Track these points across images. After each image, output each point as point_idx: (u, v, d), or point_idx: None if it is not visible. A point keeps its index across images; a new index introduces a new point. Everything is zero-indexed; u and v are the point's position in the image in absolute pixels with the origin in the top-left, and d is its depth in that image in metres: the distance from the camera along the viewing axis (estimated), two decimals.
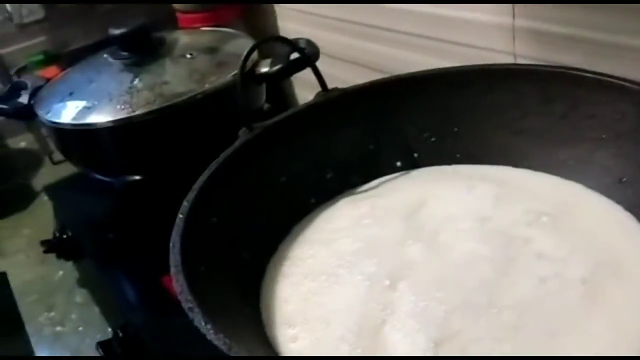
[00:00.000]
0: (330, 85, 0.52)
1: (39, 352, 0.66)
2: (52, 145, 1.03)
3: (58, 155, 1.03)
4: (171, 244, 0.36)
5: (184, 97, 0.61)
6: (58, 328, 0.68)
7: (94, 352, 0.62)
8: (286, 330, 0.37)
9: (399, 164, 0.51)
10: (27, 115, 0.77)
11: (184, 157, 0.65)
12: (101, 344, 0.54)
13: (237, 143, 0.46)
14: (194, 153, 0.62)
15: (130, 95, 0.62)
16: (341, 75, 0.61)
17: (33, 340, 0.68)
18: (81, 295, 0.72)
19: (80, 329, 0.67)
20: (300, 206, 0.48)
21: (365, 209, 0.46)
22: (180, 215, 0.39)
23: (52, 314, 0.71)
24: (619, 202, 0.41)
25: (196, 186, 0.42)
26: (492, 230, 0.41)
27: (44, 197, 0.96)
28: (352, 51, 0.76)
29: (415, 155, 0.51)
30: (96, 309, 0.69)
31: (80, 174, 0.83)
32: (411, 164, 0.51)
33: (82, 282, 0.74)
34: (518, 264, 0.37)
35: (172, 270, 0.35)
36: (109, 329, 0.65)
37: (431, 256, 0.39)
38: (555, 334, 0.32)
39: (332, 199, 0.49)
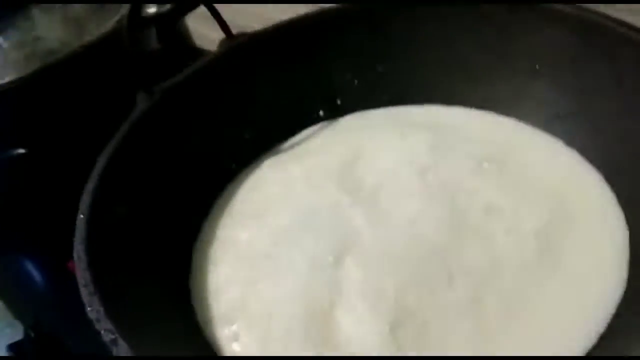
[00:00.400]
0: (234, 27, 0.45)
1: None
2: None
3: None
4: (75, 256, 0.30)
5: (61, 55, 0.52)
6: None
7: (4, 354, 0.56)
8: (225, 329, 0.33)
9: (321, 113, 0.46)
10: None
11: (73, 123, 0.56)
12: (12, 346, 0.48)
13: (135, 114, 0.39)
14: (84, 118, 0.54)
15: None
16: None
17: None
18: None
19: None
20: (220, 175, 0.43)
21: (295, 171, 0.41)
22: (81, 216, 0.32)
23: None
24: (559, 137, 0.39)
25: (94, 174, 0.35)
26: (434, 183, 0.37)
27: None
28: None
29: (339, 101, 0.47)
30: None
31: None
32: (335, 112, 0.46)
33: None
34: (467, 222, 0.35)
35: (81, 286, 0.29)
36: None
37: (375, 222, 0.36)
38: (516, 303, 0.31)
39: (254, 161, 0.44)
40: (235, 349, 0.32)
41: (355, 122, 0.45)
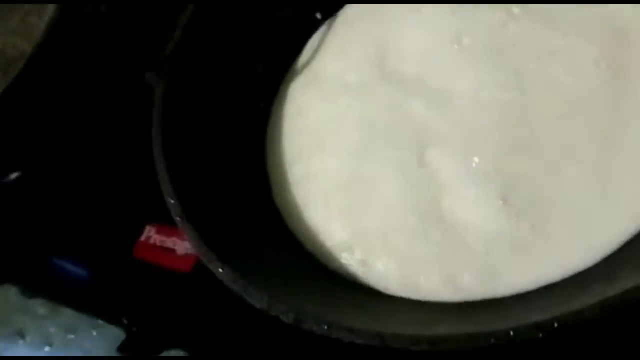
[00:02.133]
0: None
1: None
2: None
3: None
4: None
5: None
6: (47, 349, 0.62)
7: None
8: (347, 258, 0.34)
9: (319, 15, 0.45)
10: None
11: (69, 132, 0.53)
12: (121, 348, 0.50)
13: (158, 95, 0.37)
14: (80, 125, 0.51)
15: None
16: None
17: None
18: (42, 306, 0.64)
19: (71, 338, 0.61)
20: (255, 116, 0.42)
21: (330, 89, 0.40)
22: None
23: (27, 339, 0.63)
24: None
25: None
26: (475, 47, 0.37)
27: None
28: None
29: None
30: (69, 312, 0.62)
31: None
32: (332, 7, 0.44)
33: (30, 294, 0.65)
34: (526, 75, 0.35)
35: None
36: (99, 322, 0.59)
37: (438, 108, 0.36)
38: (610, 132, 0.32)
39: (279, 94, 0.43)
40: (368, 272, 0.34)
41: (357, 11, 0.43)
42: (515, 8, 0.38)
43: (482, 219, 0.32)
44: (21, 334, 0.66)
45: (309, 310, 0.27)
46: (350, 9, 0.44)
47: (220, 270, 0.29)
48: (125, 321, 0.51)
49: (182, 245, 0.50)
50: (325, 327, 0.26)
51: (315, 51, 0.43)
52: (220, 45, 0.41)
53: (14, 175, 0.57)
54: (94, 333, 0.60)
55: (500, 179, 0.33)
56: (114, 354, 0.57)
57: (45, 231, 0.59)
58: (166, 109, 0.36)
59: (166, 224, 0.51)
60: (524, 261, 0.31)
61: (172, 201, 0.32)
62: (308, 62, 0.43)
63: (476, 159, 0.34)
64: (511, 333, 0.23)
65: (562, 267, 0.29)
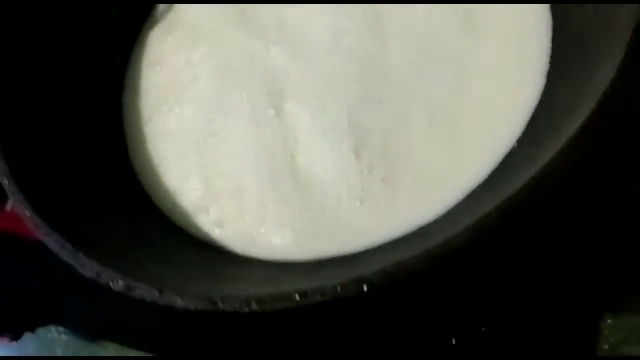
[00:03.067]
0: None
1: None
2: None
3: None
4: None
5: None
6: None
7: None
8: (203, 219, 0.33)
9: None
10: None
11: None
12: None
13: None
14: None
15: None
16: None
17: None
18: None
19: None
20: (110, 68, 0.39)
21: (189, 35, 0.38)
22: None
23: None
24: None
25: None
26: None
27: None
28: None
29: None
30: None
31: None
32: None
33: None
34: (384, 24, 0.34)
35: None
36: None
37: (297, 56, 0.35)
38: (460, 85, 0.32)
39: (137, 42, 0.40)
40: (221, 235, 0.33)
41: None
42: None
43: (335, 174, 0.32)
44: None
45: (143, 276, 0.26)
46: None
47: (47, 236, 0.27)
48: None
49: None
50: (157, 293, 0.25)
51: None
52: None
53: None
54: None
55: (354, 131, 0.32)
56: None
57: None
58: None
59: None
60: (374, 216, 0.31)
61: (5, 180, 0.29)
62: (168, 8, 0.40)
63: (331, 111, 0.33)
64: (338, 289, 0.23)
65: (408, 221, 0.29)
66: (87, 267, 0.26)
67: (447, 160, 0.31)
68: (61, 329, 0.52)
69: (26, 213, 0.28)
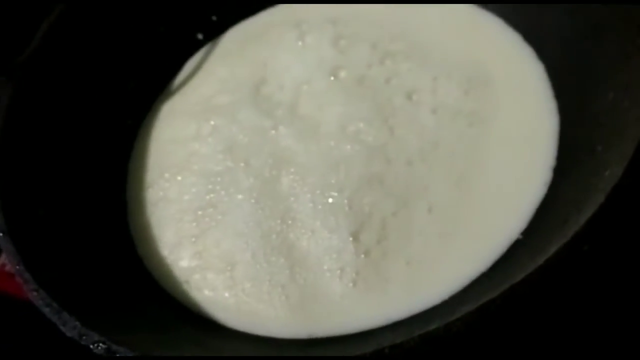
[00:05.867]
0: None
1: None
2: None
3: None
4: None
5: None
6: None
7: None
8: (191, 287, 0.34)
9: (200, 36, 0.44)
10: None
11: None
12: None
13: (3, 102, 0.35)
14: None
15: None
16: None
17: None
18: None
19: None
20: (119, 134, 0.40)
21: (201, 110, 0.40)
22: None
23: None
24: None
25: None
26: (349, 82, 0.38)
27: None
28: None
29: (214, 17, 0.44)
30: None
31: None
32: (214, 31, 0.44)
33: None
34: (395, 115, 0.36)
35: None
36: None
37: (304, 138, 0.36)
38: (464, 179, 0.33)
39: (150, 111, 0.41)
40: (210, 305, 0.33)
41: (240, 36, 0.44)
42: (393, 45, 0.39)
43: (331, 255, 0.32)
44: None
45: (125, 340, 0.25)
46: (234, 32, 0.44)
47: (34, 293, 0.27)
48: None
49: None
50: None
51: (193, 71, 0.43)
52: (86, 55, 0.40)
53: None
54: None
55: (354, 215, 0.33)
56: None
57: None
58: (9, 119, 0.34)
59: None
60: (366, 300, 0.31)
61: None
62: (184, 82, 0.42)
63: (333, 193, 0.34)
64: None
65: (402, 308, 0.30)
66: (70, 327, 0.26)
67: (447, 249, 0.31)
68: None
69: (17, 267, 0.28)
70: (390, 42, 0.39)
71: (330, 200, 0.34)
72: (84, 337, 0.26)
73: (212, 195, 0.36)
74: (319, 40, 0.40)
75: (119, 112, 0.41)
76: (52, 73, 0.38)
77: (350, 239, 0.32)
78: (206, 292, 0.33)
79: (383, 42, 0.39)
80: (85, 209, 0.36)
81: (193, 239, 0.35)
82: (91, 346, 0.25)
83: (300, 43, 0.41)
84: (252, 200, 0.35)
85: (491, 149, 0.34)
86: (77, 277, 0.31)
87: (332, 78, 0.38)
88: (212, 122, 0.39)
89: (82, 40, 0.39)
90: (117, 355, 0.25)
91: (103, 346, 0.25)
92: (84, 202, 0.36)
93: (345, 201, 0.33)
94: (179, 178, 0.37)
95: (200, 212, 0.35)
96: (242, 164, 0.36)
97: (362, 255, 0.32)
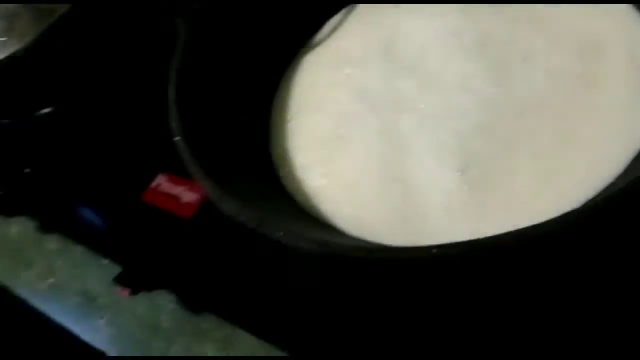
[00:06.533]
0: None
1: (41, 307, 0.67)
2: None
3: None
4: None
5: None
6: (50, 280, 0.68)
7: (104, 292, 0.64)
8: (319, 201, 0.40)
9: None
10: None
11: (94, 77, 0.61)
12: (118, 279, 0.56)
13: (180, 43, 0.43)
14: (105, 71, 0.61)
15: None
16: None
17: (30, 299, 0.68)
18: (53, 242, 0.71)
19: (75, 271, 0.68)
20: (268, 80, 0.48)
21: (337, 57, 0.47)
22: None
23: (33, 269, 0.70)
24: None
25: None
26: (470, 43, 0.43)
27: None
28: None
29: None
30: (79, 249, 0.69)
31: None
32: None
33: (46, 229, 0.72)
34: (510, 74, 0.40)
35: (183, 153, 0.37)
36: (104, 261, 0.66)
37: (425, 87, 0.42)
38: (569, 131, 0.37)
39: (296, 57, 0.49)
40: (333, 216, 0.39)
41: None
42: (513, 11, 0.43)
43: (439, 185, 0.38)
44: (29, 265, 0.73)
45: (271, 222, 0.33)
46: None
47: (202, 180, 0.35)
48: (126, 259, 0.57)
49: (187, 195, 0.56)
50: (317, 246, 0.32)
51: (334, 28, 0.49)
52: (250, 7, 0.47)
53: (46, 110, 0.65)
54: (97, 270, 0.67)
55: (462, 153, 0.38)
56: (111, 288, 0.63)
57: (67, 170, 0.67)
58: (186, 54, 0.43)
59: (175, 175, 0.58)
60: (467, 226, 0.35)
61: (178, 138, 0.38)
62: (325, 37, 0.49)
63: (445, 134, 0.40)
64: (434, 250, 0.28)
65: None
66: (227, 206, 0.34)
67: (547, 189, 0.35)
68: (172, 296, 0.60)
69: (187, 157, 0.36)
70: (513, 9, 0.43)
71: (443, 140, 0.39)
72: (241, 215, 0.33)
73: (341, 130, 0.43)
74: (447, 8, 0.46)
75: (269, 60, 0.49)
76: (219, 18, 0.46)
77: (459, 173, 0.38)
78: (330, 205, 0.40)
79: (507, 9, 0.43)
80: (239, 134, 0.44)
81: (322, 164, 0.42)
82: (246, 221, 0.32)
83: (430, 10, 0.46)
84: (375, 136, 0.41)
85: (601, 110, 0.37)
86: (232, 176, 0.38)
87: (456, 40, 0.44)
88: (345, 72, 0.46)
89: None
90: (266, 227, 0.32)
91: (255, 221, 0.32)
92: (239, 127, 0.44)
93: (457, 142, 0.39)
94: (314, 115, 0.45)
95: (329, 143, 0.43)
96: (368, 107, 0.43)
97: (467, 188, 0.37)
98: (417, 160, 0.39)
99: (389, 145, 0.41)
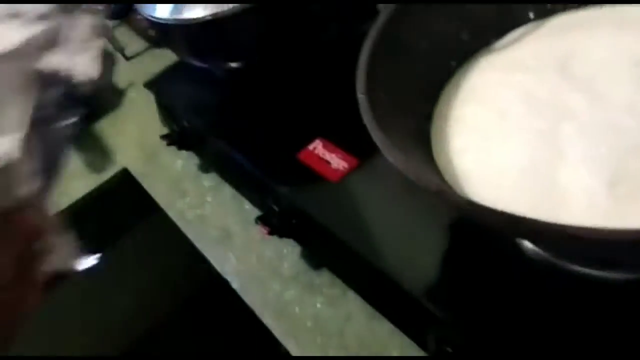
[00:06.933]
0: None
1: (188, 234, 0.76)
2: (122, 43, 1.08)
3: (129, 51, 1.08)
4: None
5: None
6: (198, 211, 0.77)
7: (240, 231, 0.72)
8: (468, 185, 0.43)
9: (531, 15, 0.54)
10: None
11: (283, 42, 0.69)
12: (261, 219, 0.62)
13: (382, 18, 0.49)
14: (292, 39, 0.68)
15: None
16: None
17: (178, 223, 0.78)
18: (209, 180, 0.80)
19: (220, 208, 0.76)
20: (442, 71, 0.52)
21: (512, 63, 0.50)
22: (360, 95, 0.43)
23: (187, 199, 0.80)
24: None
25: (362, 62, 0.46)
26: None
27: (133, 93, 1.03)
28: None
29: (549, 5, 0.54)
30: (228, 190, 0.77)
31: (173, 66, 0.88)
32: (544, 14, 0.54)
33: (205, 168, 0.82)
34: None
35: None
36: (247, 206, 0.73)
37: (592, 103, 0.44)
38: None
39: (472, 58, 0.53)
40: (471, 189, 0.43)
41: (566, 21, 0.52)
42: None
43: (586, 191, 0.40)
44: (184, 195, 0.83)
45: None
46: (559, 19, 0.53)
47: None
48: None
49: (337, 162, 0.62)
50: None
51: (515, 39, 0.53)
52: (443, 9, 0.52)
53: (235, 65, 0.74)
54: (240, 212, 0.75)
55: (615, 169, 0.40)
56: (247, 229, 0.71)
57: (239, 120, 0.75)
58: (381, 34, 0.48)
59: (332, 142, 0.64)
60: None
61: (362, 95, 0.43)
62: (505, 45, 0.52)
63: (603, 148, 0.41)
64: None
65: None
66: (430, 183, 0.38)
67: None
68: (298, 248, 0.66)
69: (366, 113, 0.41)
70: None
71: (599, 152, 0.41)
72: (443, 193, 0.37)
73: (502, 124, 0.46)
74: (634, 36, 0.47)
75: (450, 54, 0.53)
76: (421, 12, 0.51)
77: (607, 186, 0.39)
78: (474, 188, 0.43)
79: None
80: (408, 109, 0.48)
81: (476, 150, 0.45)
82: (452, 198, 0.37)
83: (615, 36, 0.48)
84: (533, 135, 0.44)
85: None
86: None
87: (633, 67, 0.45)
88: (517, 77, 0.49)
89: None
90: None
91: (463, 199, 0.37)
92: (410, 104, 0.49)
93: (612, 157, 0.40)
94: (478, 108, 0.48)
95: (488, 133, 0.46)
96: (532, 110, 0.46)
97: (612, 201, 0.39)
98: (570, 165, 0.41)
99: (545, 146, 0.43)
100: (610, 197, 0.39)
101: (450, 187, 0.43)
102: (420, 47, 0.51)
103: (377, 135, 0.40)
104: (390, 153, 0.39)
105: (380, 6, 0.50)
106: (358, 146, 0.61)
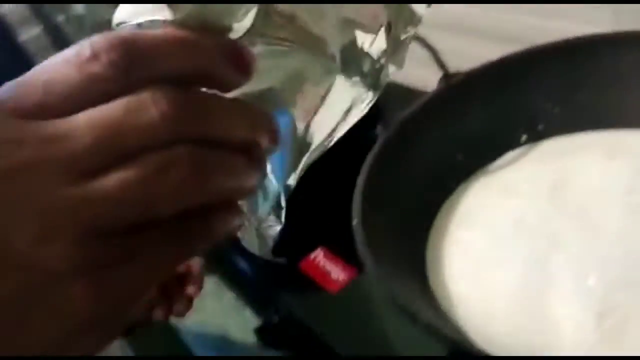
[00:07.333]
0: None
1: (186, 339, 0.75)
2: None
3: None
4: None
5: None
6: (197, 317, 0.77)
7: (242, 338, 0.71)
8: (462, 311, 0.44)
9: (524, 137, 0.56)
10: None
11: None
12: (259, 331, 0.62)
13: (379, 142, 0.51)
14: None
15: None
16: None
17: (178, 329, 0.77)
18: (209, 284, 0.80)
19: (220, 315, 0.76)
20: (439, 191, 0.54)
21: (505, 188, 0.52)
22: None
23: None
24: None
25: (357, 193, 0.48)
26: (638, 204, 0.46)
27: None
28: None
29: (540, 127, 0.56)
30: (229, 295, 0.77)
31: None
32: (536, 137, 0.56)
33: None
34: None
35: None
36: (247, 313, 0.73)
37: (582, 232, 0.45)
38: None
39: (468, 180, 0.54)
40: (467, 327, 0.43)
41: (557, 145, 0.55)
42: None
43: (574, 322, 0.40)
44: None
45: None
46: (551, 144, 0.55)
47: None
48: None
49: (337, 273, 0.63)
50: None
51: (509, 162, 0.54)
52: (438, 132, 0.55)
53: None
54: (239, 319, 0.75)
55: (604, 301, 0.41)
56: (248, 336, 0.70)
57: None
58: (378, 157, 0.50)
59: (332, 252, 0.65)
60: None
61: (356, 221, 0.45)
62: (499, 167, 0.54)
63: (592, 279, 0.42)
64: None
65: None
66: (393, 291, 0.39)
67: None
68: None
69: (360, 240, 0.42)
70: None
71: (587, 284, 0.42)
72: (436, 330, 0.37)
73: (495, 250, 0.47)
74: (624, 165, 0.49)
75: (446, 174, 0.55)
76: (412, 135, 0.54)
77: (596, 318, 0.40)
78: (465, 312, 0.43)
79: None
80: (403, 232, 0.50)
81: (468, 277, 0.46)
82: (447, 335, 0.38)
83: (607, 162, 0.50)
84: (525, 264, 0.45)
85: None
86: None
87: (625, 197, 0.47)
88: (511, 202, 0.51)
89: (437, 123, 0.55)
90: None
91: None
92: (405, 227, 0.50)
93: (600, 289, 0.41)
94: (473, 233, 0.50)
95: (481, 260, 0.47)
96: (523, 237, 0.47)
97: (599, 334, 0.39)
98: (559, 296, 0.42)
99: (535, 275, 0.44)
100: (598, 329, 0.39)
101: (444, 314, 0.43)
102: (417, 169, 0.53)
103: (369, 263, 0.41)
104: (381, 280, 0.40)
105: (379, 128, 0.53)
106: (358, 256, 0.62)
